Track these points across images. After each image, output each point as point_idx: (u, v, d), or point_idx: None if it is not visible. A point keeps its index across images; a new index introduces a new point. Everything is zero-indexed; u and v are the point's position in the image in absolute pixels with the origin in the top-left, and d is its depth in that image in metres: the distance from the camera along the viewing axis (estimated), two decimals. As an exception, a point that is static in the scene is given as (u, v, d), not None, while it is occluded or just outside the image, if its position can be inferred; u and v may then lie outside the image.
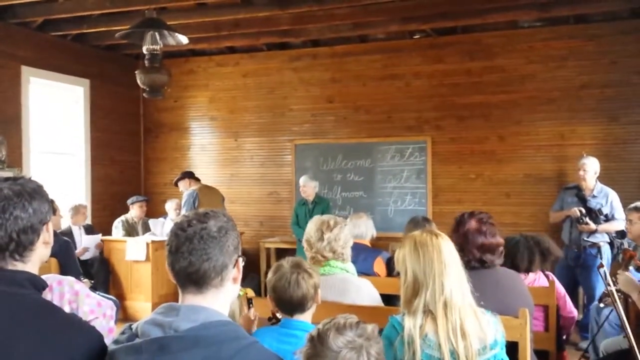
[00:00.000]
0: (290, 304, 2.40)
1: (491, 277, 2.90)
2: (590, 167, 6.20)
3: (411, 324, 2.16)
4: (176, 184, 7.65)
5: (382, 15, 7.13)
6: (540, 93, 7.55)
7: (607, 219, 6.03)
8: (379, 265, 4.18)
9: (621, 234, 6.00)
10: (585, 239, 6.00)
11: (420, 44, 8.14)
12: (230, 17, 7.23)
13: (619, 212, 6.04)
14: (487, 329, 2.19)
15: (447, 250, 2.28)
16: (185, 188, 7.46)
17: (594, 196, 6.14)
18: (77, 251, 6.99)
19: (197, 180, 7.56)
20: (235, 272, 1.67)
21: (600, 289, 5.71)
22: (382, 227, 7.59)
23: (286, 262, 2.51)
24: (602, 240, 6.01)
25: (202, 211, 1.68)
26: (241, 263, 1.71)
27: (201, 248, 1.59)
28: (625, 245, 5.76)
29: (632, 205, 4.75)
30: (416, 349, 2.12)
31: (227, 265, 1.63)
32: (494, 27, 7.69)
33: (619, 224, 6.01)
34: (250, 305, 2.59)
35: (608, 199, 6.10)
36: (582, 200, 6.15)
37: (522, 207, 7.54)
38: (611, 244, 6.04)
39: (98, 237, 7.38)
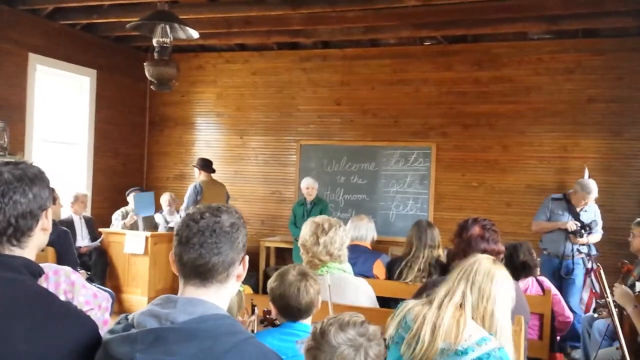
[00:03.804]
0: (299, 311, 2.42)
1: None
2: (594, 196, 6.21)
3: (408, 304, 2.15)
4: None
5: (394, 20, 7.13)
6: (546, 105, 7.55)
7: (591, 231, 6.16)
8: (379, 268, 4.19)
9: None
10: (580, 249, 6.10)
11: (430, 50, 8.14)
12: (242, 14, 7.25)
13: (600, 225, 6.22)
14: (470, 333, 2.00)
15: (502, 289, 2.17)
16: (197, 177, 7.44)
17: (585, 210, 6.20)
18: (81, 248, 6.99)
19: (209, 172, 7.39)
20: (240, 270, 1.66)
21: (576, 295, 5.94)
22: (383, 231, 7.60)
23: (293, 269, 2.51)
24: (584, 252, 6.15)
25: (215, 205, 1.67)
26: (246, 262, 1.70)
27: (213, 242, 1.57)
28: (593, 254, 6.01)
29: (638, 219, 4.85)
30: (394, 323, 2.10)
31: (235, 262, 1.62)
32: (503, 37, 7.72)
33: (600, 236, 6.22)
34: (253, 313, 2.54)
35: (596, 213, 6.24)
36: (574, 214, 6.19)
37: (522, 216, 7.51)
38: (587, 255, 6.14)
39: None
